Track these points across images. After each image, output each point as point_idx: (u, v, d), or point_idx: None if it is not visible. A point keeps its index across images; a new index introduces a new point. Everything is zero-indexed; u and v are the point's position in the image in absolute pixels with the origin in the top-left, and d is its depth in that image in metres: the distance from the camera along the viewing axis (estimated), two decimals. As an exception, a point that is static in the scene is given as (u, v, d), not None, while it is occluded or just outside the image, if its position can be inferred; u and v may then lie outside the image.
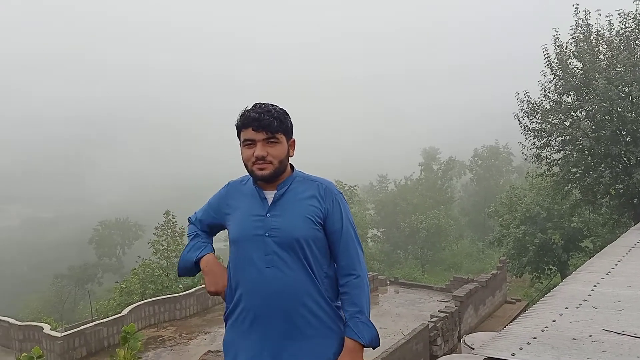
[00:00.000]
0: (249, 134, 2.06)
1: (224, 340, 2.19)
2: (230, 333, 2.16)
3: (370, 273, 24.09)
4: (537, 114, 18.34)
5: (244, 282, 2.08)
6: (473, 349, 3.09)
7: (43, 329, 17.14)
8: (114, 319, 17.67)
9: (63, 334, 16.65)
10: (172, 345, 17.08)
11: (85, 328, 16.92)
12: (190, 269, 2.22)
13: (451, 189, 61.51)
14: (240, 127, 2.09)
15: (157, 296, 20.75)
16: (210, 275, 2.15)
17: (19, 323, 18.23)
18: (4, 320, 18.45)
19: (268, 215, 2.07)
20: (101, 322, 17.33)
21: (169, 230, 26.24)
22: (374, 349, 2.13)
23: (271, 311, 2.03)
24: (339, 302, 2.17)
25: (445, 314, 15.85)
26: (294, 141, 2.18)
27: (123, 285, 23.55)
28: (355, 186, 44.78)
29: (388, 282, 24.73)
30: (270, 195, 2.12)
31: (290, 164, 2.19)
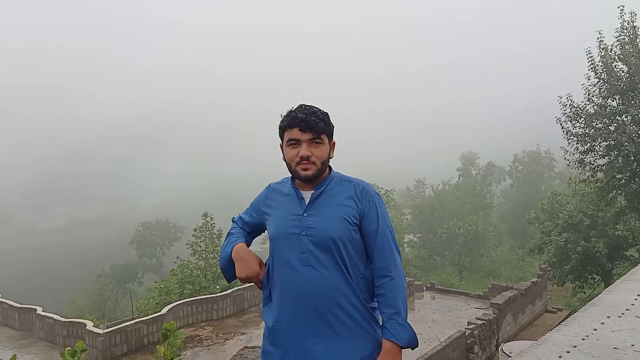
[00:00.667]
0: (294, 133, 2.10)
1: (263, 335, 2.24)
2: (267, 330, 2.21)
3: (407, 279, 23.87)
4: (580, 119, 17.85)
5: (280, 280, 2.12)
6: (511, 357, 3.04)
7: (86, 325, 17.69)
8: (154, 317, 18.09)
9: (105, 330, 17.15)
10: (209, 344, 17.35)
11: (126, 326, 17.38)
12: (229, 263, 2.26)
13: (490, 194, 60.31)
14: (285, 127, 2.14)
15: (195, 296, 21.11)
16: (240, 262, 2.18)
17: (63, 319, 18.85)
18: (49, 317, 19.09)
19: (305, 214, 2.11)
20: (141, 320, 17.77)
21: (207, 232, 26.65)
22: (412, 349, 2.13)
23: (305, 310, 2.06)
24: (375, 304, 2.19)
25: (482, 322, 15.56)
26: (334, 143, 2.22)
27: (162, 285, 24.05)
28: (391, 190, 44.43)
29: (424, 288, 24.46)
30: (307, 195, 2.15)
31: (329, 166, 2.23)
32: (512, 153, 65.72)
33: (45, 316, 19.31)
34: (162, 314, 18.21)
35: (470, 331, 14.86)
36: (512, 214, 59.17)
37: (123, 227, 78.81)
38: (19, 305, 20.99)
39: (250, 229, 2.36)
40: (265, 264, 2.25)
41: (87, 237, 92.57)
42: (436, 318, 19.84)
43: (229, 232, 2.39)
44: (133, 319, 20.71)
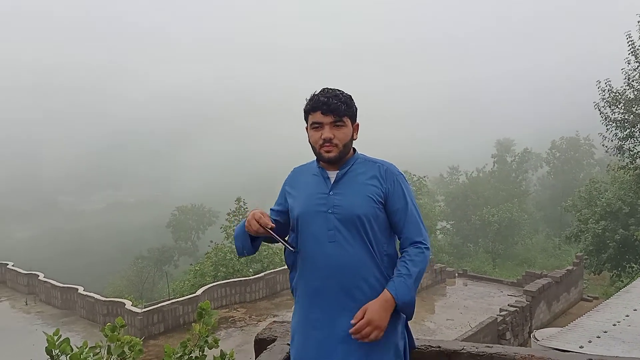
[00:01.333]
0: (317, 117, 2.17)
1: (293, 310, 2.34)
2: (296, 305, 2.31)
3: (439, 264, 23.79)
4: (619, 104, 17.30)
5: (307, 256, 2.20)
6: (538, 341, 3.02)
7: (125, 304, 18.35)
8: (189, 298, 18.61)
9: (143, 310, 17.76)
10: (242, 325, 17.77)
11: (163, 306, 17.95)
12: (239, 233, 2.29)
13: (526, 182, 59.11)
14: (309, 111, 2.21)
15: (229, 279, 21.57)
16: (249, 218, 2.18)
17: (103, 299, 19.58)
18: (90, 296, 19.84)
19: (331, 193, 2.18)
20: (177, 301, 18.31)
21: (240, 216, 27.10)
22: (407, 318, 2.19)
23: (331, 284, 2.14)
24: None
25: (515, 309, 15.43)
26: (357, 125, 2.27)
27: (197, 268, 24.64)
28: (424, 177, 44.04)
29: (456, 275, 24.33)
30: (332, 175, 2.23)
31: (353, 147, 2.30)
32: (549, 139, 64.15)
33: (86, 295, 20.07)
34: (197, 295, 18.70)
35: (502, 318, 14.77)
36: (548, 202, 57.91)
37: (160, 211, 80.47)
38: (61, 285, 21.86)
39: (282, 218, 2.37)
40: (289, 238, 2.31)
41: (126, 219, 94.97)
42: (468, 304, 19.76)
43: None
44: (169, 300, 21.34)
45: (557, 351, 2.30)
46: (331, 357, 2.12)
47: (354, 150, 2.30)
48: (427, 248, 2.17)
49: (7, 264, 25.59)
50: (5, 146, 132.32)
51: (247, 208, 27.27)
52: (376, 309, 2.03)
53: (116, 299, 20.69)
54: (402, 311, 2.12)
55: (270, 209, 2.45)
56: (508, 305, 16.10)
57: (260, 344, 3.08)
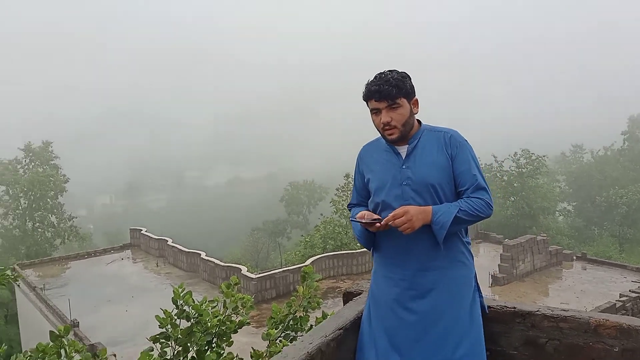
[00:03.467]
0: (373, 103, 2.37)
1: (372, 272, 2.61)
2: (376, 266, 2.56)
3: (554, 246, 22.65)
4: None
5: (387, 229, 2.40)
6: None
7: (241, 270, 19.82)
8: (299, 267, 19.61)
9: (257, 276, 19.08)
10: (348, 296, 18.37)
11: (275, 273, 19.15)
12: (361, 231, 2.50)
13: (662, 161, 53.39)
14: (365, 99, 2.41)
15: (336, 251, 22.30)
16: (367, 225, 2.38)
17: (222, 264, 21.27)
18: (211, 261, 21.65)
19: (404, 167, 2.40)
20: (288, 269, 19.42)
21: (349, 192, 27.69)
22: (438, 242, 2.29)
23: (410, 247, 2.38)
24: (469, 238, 2.48)
25: (637, 294, 14.39)
26: (416, 100, 2.43)
27: (307, 240, 25.72)
28: (544, 156, 41.51)
29: (574, 258, 22.98)
30: (402, 149, 2.43)
31: (418, 120, 2.48)
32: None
33: (208, 260, 21.93)
34: (306, 265, 19.61)
35: (621, 304, 13.88)
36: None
37: (275, 185, 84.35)
38: (186, 250, 24.04)
39: (363, 196, 2.60)
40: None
41: (244, 194, 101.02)
42: (585, 289, 18.69)
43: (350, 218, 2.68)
44: (281, 268, 22.63)
45: (636, 318, 2.38)
46: (410, 312, 2.37)
47: (419, 122, 2.48)
48: (488, 205, 2.32)
49: (141, 230, 28.57)
50: (144, 125, 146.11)
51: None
52: (415, 209, 2.24)
53: (234, 264, 22.35)
54: (434, 229, 2.27)
55: (354, 190, 2.69)
56: (629, 291, 15.04)
57: (348, 296, 3.40)
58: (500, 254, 21.37)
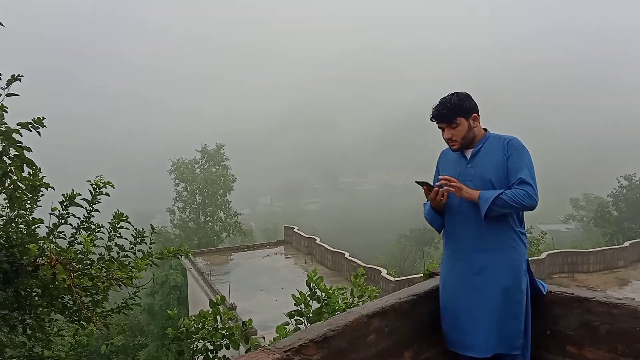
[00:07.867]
0: (437, 124, 2.96)
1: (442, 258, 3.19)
2: (444, 249, 3.13)
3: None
4: None
5: (452, 212, 3.01)
6: None
7: (381, 272, 20.54)
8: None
9: (396, 279, 19.66)
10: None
11: (414, 277, 19.51)
12: (430, 214, 3.13)
13: None
14: (432, 121, 2.98)
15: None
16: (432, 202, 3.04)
17: (364, 264, 22.18)
18: (353, 261, 22.73)
19: (468, 165, 2.96)
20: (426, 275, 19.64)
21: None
22: (481, 216, 2.78)
23: (467, 231, 2.94)
24: (523, 229, 2.97)
25: None
26: (475, 116, 2.93)
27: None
28: None
29: None
30: (469, 153, 2.98)
31: (484, 128, 2.99)
32: None
33: (351, 260, 23.04)
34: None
35: None
36: None
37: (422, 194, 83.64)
38: (332, 249, 25.44)
39: None
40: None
41: (393, 200, 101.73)
42: None
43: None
44: (422, 274, 22.85)
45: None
46: (469, 285, 2.92)
47: (485, 130, 3.00)
48: (530, 196, 2.74)
49: (294, 228, 30.79)
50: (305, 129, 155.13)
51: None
52: (465, 187, 2.83)
53: (375, 266, 23.15)
54: (479, 203, 2.78)
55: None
56: None
57: (431, 275, 4.00)
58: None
